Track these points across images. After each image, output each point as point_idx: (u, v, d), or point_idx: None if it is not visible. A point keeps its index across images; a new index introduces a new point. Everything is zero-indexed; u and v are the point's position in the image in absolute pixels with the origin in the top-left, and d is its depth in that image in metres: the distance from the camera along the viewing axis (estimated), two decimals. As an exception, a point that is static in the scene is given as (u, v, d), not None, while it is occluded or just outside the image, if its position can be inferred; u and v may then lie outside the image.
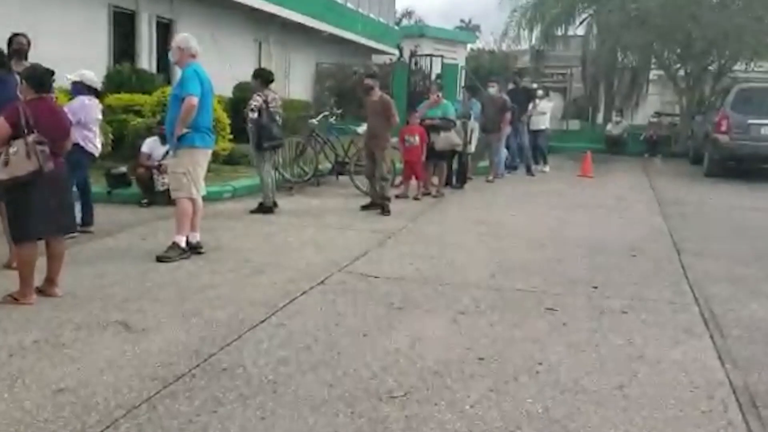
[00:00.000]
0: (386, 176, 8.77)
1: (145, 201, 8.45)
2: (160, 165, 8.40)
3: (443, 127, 10.08)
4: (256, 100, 8.11)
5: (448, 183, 10.83)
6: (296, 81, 22.50)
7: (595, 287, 5.52)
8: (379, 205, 8.66)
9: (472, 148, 11.47)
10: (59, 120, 4.74)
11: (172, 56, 6.07)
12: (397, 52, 30.00)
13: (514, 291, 5.31)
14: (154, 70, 14.63)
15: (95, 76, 6.82)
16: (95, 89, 6.78)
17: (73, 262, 5.26)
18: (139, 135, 9.51)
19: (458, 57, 29.49)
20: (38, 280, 4.73)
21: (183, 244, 5.99)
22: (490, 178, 12.31)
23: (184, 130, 5.80)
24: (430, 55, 22.09)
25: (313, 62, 23.76)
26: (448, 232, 7.55)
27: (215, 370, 3.59)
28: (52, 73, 4.69)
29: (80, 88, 6.61)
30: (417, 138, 9.72)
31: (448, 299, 5.01)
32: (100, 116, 6.82)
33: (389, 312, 4.67)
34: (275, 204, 8.46)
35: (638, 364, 3.92)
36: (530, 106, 14.26)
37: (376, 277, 5.53)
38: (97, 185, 8.45)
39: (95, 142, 6.67)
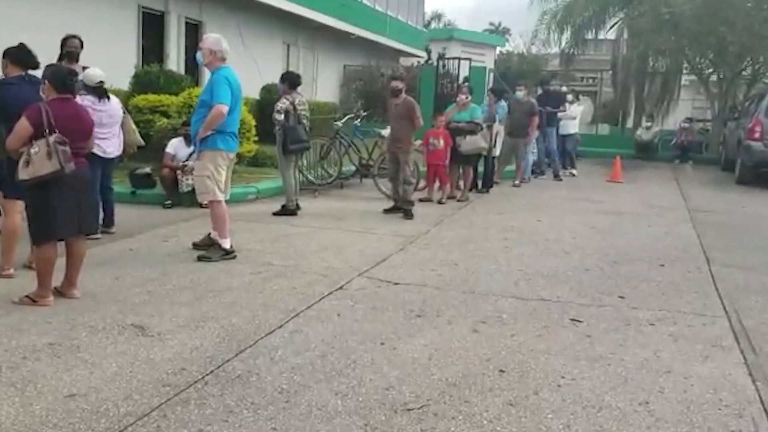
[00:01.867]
0: (410, 180, 8.68)
1: (169, 202, 8.46)
2: (184, 166, 8.40)
3: (469, 130, 9.96)
4: (284, 103, 8.07)
5: (473, 187, 10.71)
6: (323, 83, 22.52)
7: (622, 297, 5.38)
8: (401, 208, 8.57)
9: (497, 151, 11.33)
10: (81, 120, 4.73)
11: (201, 58, 5.99)
12: (424, 54, 30.04)
13: (537, 300, 5.18)
14: (182, 71, 14.71)
15: (99, 75, 6.49)
16: (99, 88, 6.50)
17: (92, 264, 5.26)
18: (164, 136, 9.52)
19: (487, 60, 29.32)
20: (57, 280, 4.72)
21: (227, 246, 6.00)
22: (517, 182, 12.16)
23: (208, 133, 5.78)
24: (458, 58, 21.92)
25: (340, 65, 23.77)
26: (472, 238, 7.43)
27: (229, 378, 3.53)
28: (75, 74, 4.68)
29: (83, 86, 6.48)
30: (441, 141, 9.62)
31: (470, 307, 4.90)
32: (107, 118, 6.53)
33: (408, 320, 4.58)
34: (298, 206, 8.42)
35: (665, 380, 3.78)
36: (560, 109, 14.06)
37: (396, 284, 5.44)
38: (122, 185, 8.50)
39: (100, 144, 6.31)
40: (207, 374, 3.55)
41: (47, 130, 4.43)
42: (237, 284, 5.25)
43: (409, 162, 8.68)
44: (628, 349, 4.23)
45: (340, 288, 5.25)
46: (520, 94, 12.08)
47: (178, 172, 8.44)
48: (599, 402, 3.45)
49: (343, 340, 4.13)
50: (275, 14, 18.39)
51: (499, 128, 11.27)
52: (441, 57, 23.82)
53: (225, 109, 5.73)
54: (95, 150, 6.22)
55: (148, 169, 8.89)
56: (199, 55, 6.01)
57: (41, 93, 4.73)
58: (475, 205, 9.91)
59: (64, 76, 4.63)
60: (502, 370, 3.78)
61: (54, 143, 4.41)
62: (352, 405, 3.28)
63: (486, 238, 7.48)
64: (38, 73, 5.17)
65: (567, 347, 4.22)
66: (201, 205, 8.40)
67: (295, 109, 8.17)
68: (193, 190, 8.35)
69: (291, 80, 8.39)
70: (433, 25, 48.45)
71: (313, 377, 3.58)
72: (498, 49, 38.48)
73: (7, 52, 5.19)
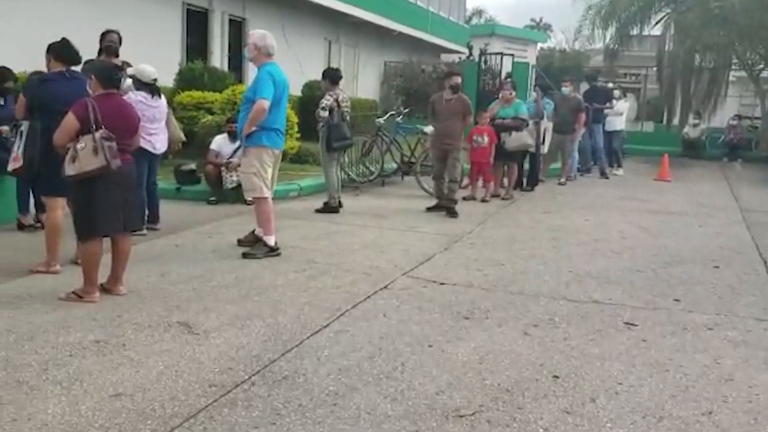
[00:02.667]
0: (456, 178, 8.54)
1: (213, 199, 8.47)
2: (228, 162, 8.40)
3: (515, 126, 9.78)
4: (328, 100, 8.01)
5: (518, 185, 10.52)
6: (364, 80, 22.46)
7: (677, 300, 5.18)
8: (444, 207, 8.45)
9: (545, 148, 11.13)
10: (127, 116, 4.71)
11: (247, 54, 5.95)
12: (466, 50, 29.76)
13: (589, 302, 5.01)
14: (225, 68, 14.76)
15: (152, 72, 6.52)
16: (151, 85, 6.53)
17: (138, 260, 5.24)
18: (209, 132, 9.55)
19: (529, 56, 28.96)
20: (103, 277, 4.71)
21: (271, 243, 5.96)
22: (563, 180, 11.93)
23: (253, 129, 5.73)
24: (501, 54, 21.66)
25: (381, 61, 23.67)
26: (518, 238, 7.27)
27: (275, 378, 3.46)
28: (121, 69, 4.67)
29: (136, 82, 6.52)
30: (486, 138, 9.45)
31: (519, 310, 4.76)
32: (150, 114, 6.45)
33: (456, 322, 4.46)
34: (340, 204, 8.36)
35: (728, 388, 3.60)
36: (607, 106, 13.77)
37: (441, 284, 5.33)
38: (167, 181, 8.53)
39: (148, 139, 6.38)
40: (253, 374, 3.49)
41: (94, 126, 4.41)
42: (281, 282, 5.20)
43: (458, 160, 8.52)
44: (687, 355, 4.05)
45: (385, 287, 5.16)
46: (567, 90, 11.84)
47: (223, 168, 8.44)
48: (660, 411, 3.29)
49: (390, 342, 4.03)
50: (318, 11, 18.38)
51: (546, 125, 11.05)
52: (483, 53, 23.59)
53: (266, 104, 5.67)
54: (145, 146, 6.24)
55: (192, 166, 8.91)
56: (245, 50, 5.97)
57: (88, 88, 4.73)
58: (520, 203, 9.73)
59: (110, 72, 4.62)
60: (556, 376, 3.64)
61: (100, 139, 4.39)
62: (401, 410, 3.18)
63: (532, 237, 7.31)
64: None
65: (622, 352, 4.06)
66: (246, 202, 8.41)
67: (338, 105, 8.10)
68: (238, 186, 8.40)
69: (331, 76, 8.31)
70: (474, 21, 48.00)
71: (360, 379, 3.49)
72: (539, 45, 38.04)
73: (51, 48, 5.19)
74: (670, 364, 3.91)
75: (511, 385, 3.50)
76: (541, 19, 62.00)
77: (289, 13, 17.22)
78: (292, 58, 15.63)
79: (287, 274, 5.43)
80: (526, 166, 10.81)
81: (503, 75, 20.83)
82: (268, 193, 6.02)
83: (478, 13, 55.61)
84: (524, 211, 9.02)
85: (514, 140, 9.74)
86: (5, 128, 6.48)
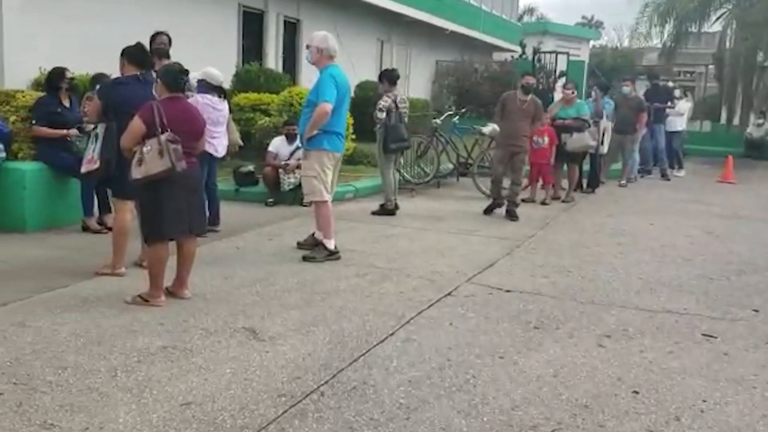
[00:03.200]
0: (520, 181, 8.36)
1: (271, 200, 8.48)
2: (286, 164, 8.39)
3: (576, 127, 9.55)
4: (385, 101, 7.93)
5: (578, 187, 10.27)
6: (415, 80, 22.33)
7: (756, 311, 4.94)
8: (499, 207, 8.30)
9: (605, 149, 10.85)
10: (193, 120, 4.70)
11: (309, 57, 5.88)
12: (518, 49, 29.38)
13: (663, 312, 4.81)
14: (280, 69, 14.82)
15: (220, 75, 6.62)
16: (219, 88, 6.62)
17: (201, 262, 5.21)
18: (266, 134, 9.57)
19: (581, 54, 28.48)
20: (168, 280, 4.71)
21: (331, 247, 5.90)
22: (623, 182, 11.63)
23: (314, 132, 5.68)
24: (556, 52, 21.33)
25: (432, 60, 23.49)
26: (583, 242, 7.06)
27: (345, 389, 3.38)
28: (187, 72, 4.66)
29: (204, 86, 6.55)
30: (546, 139, 9.26)
31: (591, 319, 4.59)
32: (216, 117, 6.49)
33: (526, 332, 4.32)
34: (397, 206, 8.26)
35: (822, 409, 3.39)
36: (668, 105, 13.38)
37: (507, 291, 5.18)
38: (225, 183, 8.57)
39: (212, 142, 6.40)
40: (322, 384, 3.41)
41: (159, 129, 4.41)
42: (344, 287, 5.13)
43: (524, 163, 8.36)
44: (774, 371, 3.84)
45: (449, 294, 5.04)
46: (627, 89, 11.53)
47: (280, 170, 8.44)
48: (751, 432, 3.11)
49: (460, 352, 3.92)
50: (371, 11, 18.33)
51: (606, 124, 10.77)
52: (536, 51, 23.23)
53: (329, 107, 5.61)
54: (208, 149, 6.23)
55: (251, 167, 8.93)
56: (307, 53, 5.91)
57: (154, 92, 4.74)
58: (582, 206, 9.50)
59: (176, 75, 4.60)
60: (635, 391, 3.48)
61: (166, 141, 4.38)
62: (477, 425, 3.06)
63: (597, 242, 7.10)
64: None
65: (703, 366, 3.87)
66: (303, 204, 8.40)
67: (396, 107, 8.02)
68: (295, 188, 8.40)
69: (390, 77, 8.23)
70: (525, 19, 47.44)
71: (432, 392, 3.38)
72: (592, 42, 37.40)
73: (125, 52, 5.23)
74: (756, 380, 3.70)
75: (589, 401, 3.35)
76: (592, 17, 61.02)
77: (342, 13, 17.19)
78: (345, 59, 15.49)
79: (349, 278, 5.36)
80: (586, 167, 10.55)
81: (557, 73, 20.54)
82: (328, 197, 5.96)
83: (530, 11, 55.03)
84: (586, 215, 8.78)
85: (575, 141, 9.52)
86: (73, 131, 6.57)
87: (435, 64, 23.64)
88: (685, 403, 3.38)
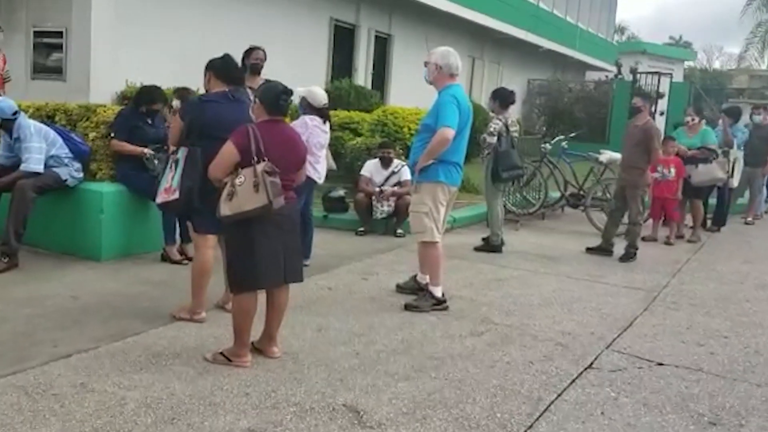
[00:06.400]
0: (635, 220, 7.30)
1: (362, 229, 7.74)
2: (380, 191, 7.65)
3: (703, 158, 8.47)
4: (496, 123, 7.10)
5: (702, 224, 9.14)
6: (507, 98, 21.35)
7: None
8: (601, 252, 7.33)
9: (735, 182, 9.67)
10: (294, 147, 3.95)
11: (426, 75, 5.07)
12: (614, 68, 28.01)
13: None
14: (368, 86, 14.19)
15: (324, 96, 5.90)
16: (320, 109, 5.87)
17: (289, 307, 4.38)
18: (357, 155, 8.86)
19: (676, 75, 26.89)
20: (254, 331, 3.98)
21: (438, 294, 5.09)
22: (749, 219, 10.38)
23: (429, 162, 4.88)
24: (658, 73, 19.97)
25: (524, 79, 22.46)
26: (728, 296, 6.00)
27: None
28: (291, 93, 3.92)
29: (304, 106, 5.86)
30: (673, 170, 8.20)
31: (782, 415, 3.60)
32: (323, 140, 5.88)
33: (701, 429, 3.37)
34: (503, 241, 7.38)
35: None
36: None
37: (659, 364, 4.23)
38: (314, 209, 7.86)
39: (316, 167, 5.83)
40: None
41: (255, 158, 3.70)
42: (459, 350, 4.29)
43: (638, 198, 7.31)
44: None
45: (590, 366, 4.13)
46: (758, 118, 10.30)
47: (373, 197, 7.69)
48: None
49: (626, 461, 3.02)
50: (463, 26, 17.55)
51: (738, 155, 9.61)
52: (633, 71, 21.92)
53: (450, 133, 4.79)
54: (312, 174, 5.60)
55: (341, 192, 8.21)
56: (424, 71, 5.09)
57: (250, 113, 4.03)
58: (711, 247, 8.36)
59: (278, 95, 3.85)
60: None
61: (262, 173, 3.65)
62: None
63: (746, 297, 6.02)
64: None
65: None
66: (396, 234, 7.65)
67: (507, 130, 7.17)
68: (388, 217, 7.65)
69: (503, 98, 7.38)
70: (616, 38, 45.84)
71: None
72: (685, 63, 35.66)
73: (211, 65, 4.52)
74: None
75: None
76: (680, 37, 58.95)
77: (434, 29, 16.43)
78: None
79: (463, 338, 4.51)
80: (712, 200, 9.41)
81: (657, 95, 19.20)
82: (438, 237, 5.13)
83: (621, 30, 53.25)
84: (720, 259, 7.65)
85: (702, 173, 8.45)
86: (148, 150, 5.96)
87: (527, 83, 22.60)
88: None
